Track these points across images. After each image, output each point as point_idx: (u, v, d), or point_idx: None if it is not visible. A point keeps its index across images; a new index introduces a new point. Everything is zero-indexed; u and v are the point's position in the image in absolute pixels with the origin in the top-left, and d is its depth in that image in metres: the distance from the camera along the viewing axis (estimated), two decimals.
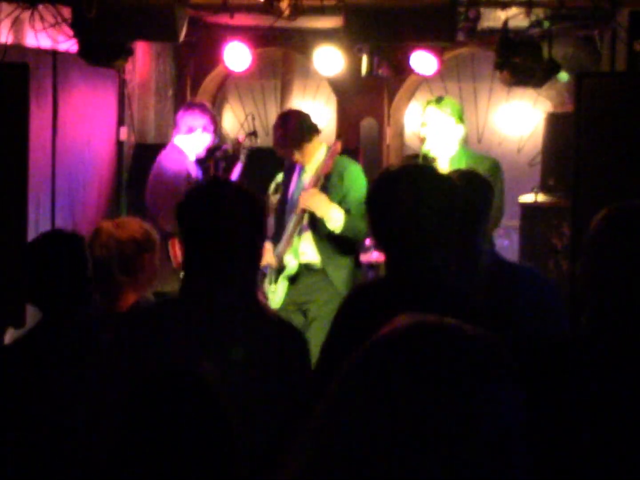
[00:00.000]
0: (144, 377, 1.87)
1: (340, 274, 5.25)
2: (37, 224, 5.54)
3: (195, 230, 2.48)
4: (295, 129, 5.33)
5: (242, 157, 5.97)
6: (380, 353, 1.27)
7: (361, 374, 1.27)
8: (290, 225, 5.34)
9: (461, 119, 5.23)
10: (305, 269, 5.34)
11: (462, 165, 4.93)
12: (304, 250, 5.34)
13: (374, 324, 1.35)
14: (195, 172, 5.92)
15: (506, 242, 8.75)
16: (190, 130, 5.91)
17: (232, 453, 1.80)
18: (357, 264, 5.45)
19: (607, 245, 2.15)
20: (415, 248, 2.53)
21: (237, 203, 2.47)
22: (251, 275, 2.52)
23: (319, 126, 5.45)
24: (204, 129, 5.91)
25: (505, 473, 1.22)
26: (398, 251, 2.54)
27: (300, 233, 5.35)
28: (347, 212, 5.16)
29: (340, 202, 5.21)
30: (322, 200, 5.18)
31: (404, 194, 2.53)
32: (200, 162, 5.98)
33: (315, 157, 5.37)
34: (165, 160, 5.90)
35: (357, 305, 2.71)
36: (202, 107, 6.07)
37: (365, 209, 2.62)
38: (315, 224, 5.26)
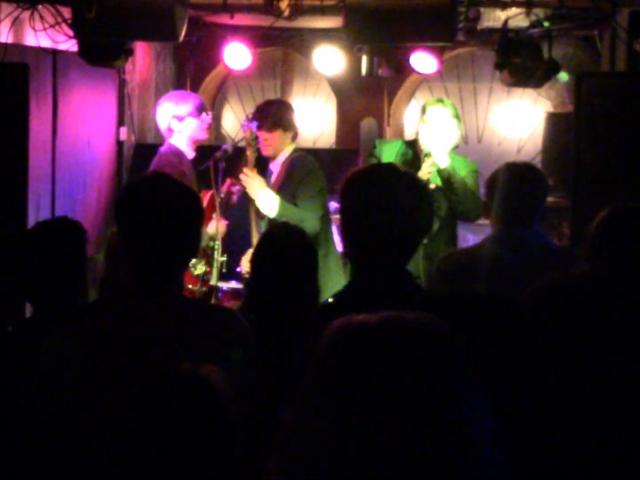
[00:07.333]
0: (145, 379, 1.85)
1: None
2: None
3: (134, 224, 2.51)
4: (276, 111, 5.25)
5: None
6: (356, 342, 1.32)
7: (333, 361, 1.31)
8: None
9: (459, 123, 5.22)
10: None
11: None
12: None
13: None
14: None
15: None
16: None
17: (235, 455, 1.79)
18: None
19: (609, 246, 2.14)
20: (387, 251, 2.44)
21: (171, 196, 2.52)
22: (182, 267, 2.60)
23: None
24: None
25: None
26: (371, 255, 2.45)
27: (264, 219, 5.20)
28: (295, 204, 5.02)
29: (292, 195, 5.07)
30: (256, 182, 5.06)
31: (375, 195, 2.44)
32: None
33: (283, 153, 5.23)
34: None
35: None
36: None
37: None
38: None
